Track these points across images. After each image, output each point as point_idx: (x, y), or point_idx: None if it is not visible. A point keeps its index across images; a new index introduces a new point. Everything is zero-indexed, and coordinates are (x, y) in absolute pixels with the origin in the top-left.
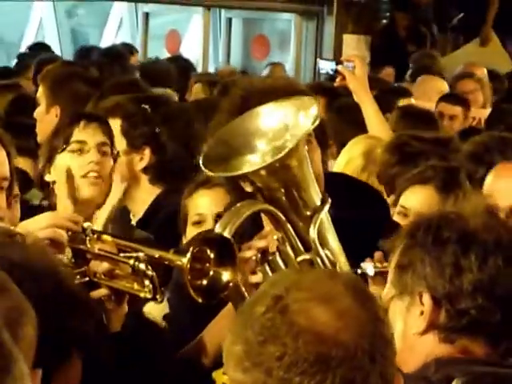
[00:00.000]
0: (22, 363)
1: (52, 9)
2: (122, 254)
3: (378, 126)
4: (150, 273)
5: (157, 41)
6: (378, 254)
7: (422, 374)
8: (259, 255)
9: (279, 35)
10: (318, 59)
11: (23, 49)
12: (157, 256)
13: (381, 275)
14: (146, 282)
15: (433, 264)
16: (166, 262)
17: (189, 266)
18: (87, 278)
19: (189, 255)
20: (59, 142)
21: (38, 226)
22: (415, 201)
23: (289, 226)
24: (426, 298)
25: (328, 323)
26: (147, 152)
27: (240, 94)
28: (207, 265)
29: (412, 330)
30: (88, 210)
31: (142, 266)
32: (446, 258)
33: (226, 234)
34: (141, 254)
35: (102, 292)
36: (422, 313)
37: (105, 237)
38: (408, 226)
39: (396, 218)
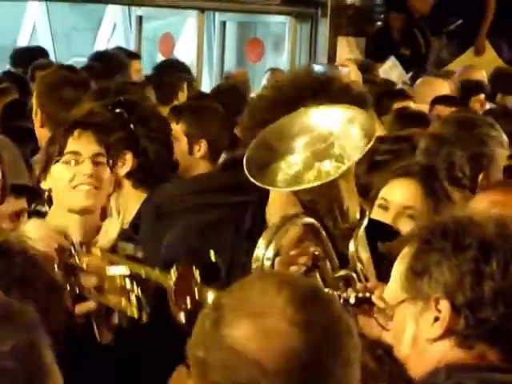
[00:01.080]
0: (59, 379)
1: (45, 12)
2: (108, 268)
3: None
4: (136, 291)
5: (150, 44)
6: (361, 286)
7: (432, 380)
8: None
9: (273, 38)
10: (312, 64)
11: None
12: (143, 274)
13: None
14: (133, 298)
15: (452, 270)
16: (153, 279)
17: (174, 287)
18: (76, 291)
19: (174, 276)
20: (55, 150)
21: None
22: (397, 194)
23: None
24: (444, 305)
25: (248, 340)
26: (129, 156)
27: (292, 86)
28: (193, 285)
29: (424, 335)
30: (89, 221)
31: (128, 284)
32: (466, 265)
33: (270, 251)
34: (127, 272)
35: (89, 305)
36: (436, 318)
37: (93, 250)
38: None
39: (376, 211)
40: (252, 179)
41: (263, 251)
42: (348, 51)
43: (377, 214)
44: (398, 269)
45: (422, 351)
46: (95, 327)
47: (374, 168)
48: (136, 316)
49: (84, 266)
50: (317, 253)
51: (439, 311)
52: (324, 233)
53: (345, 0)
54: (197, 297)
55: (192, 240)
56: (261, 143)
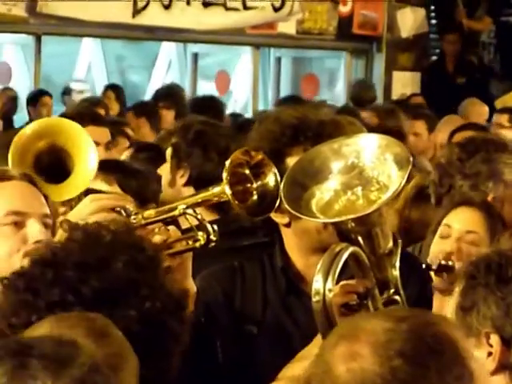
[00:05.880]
0: None
1: (100, 50)
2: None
3: None
4: (199, 216)
5: (206, 81)
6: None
7: None
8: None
9: (328, 73)
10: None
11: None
12: (200, 200)
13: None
14: (200, 233)
15: (498, 304)
16: (210, 198)
17: (230, 191)
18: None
19: (225, 181)
20: None
21: (87, 212)
22: (460, 219)
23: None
24: (495, 339)
25: (338, 360)
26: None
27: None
28: (249, 184)
29: None
30: None
31: (190, 210)
32: (511, 297)
33: (330, 282)
34: (183, 206)
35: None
36: (489, 354)
37: (146, 212)
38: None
39: (437, 240)
40: (297, 213)
41: (322, 284)
42: (403, 85)
43: (437, 243)
44: (451, 308)
45: None
46: None
47: (420, 201)
48: (204, 241)
49: (143, 222)
50: (368, 281)
51: (491, 346)
52: (367, 260)
53: (400, 35)
54: (253, 180)
55: (223, 284)
56: (293, 178)
